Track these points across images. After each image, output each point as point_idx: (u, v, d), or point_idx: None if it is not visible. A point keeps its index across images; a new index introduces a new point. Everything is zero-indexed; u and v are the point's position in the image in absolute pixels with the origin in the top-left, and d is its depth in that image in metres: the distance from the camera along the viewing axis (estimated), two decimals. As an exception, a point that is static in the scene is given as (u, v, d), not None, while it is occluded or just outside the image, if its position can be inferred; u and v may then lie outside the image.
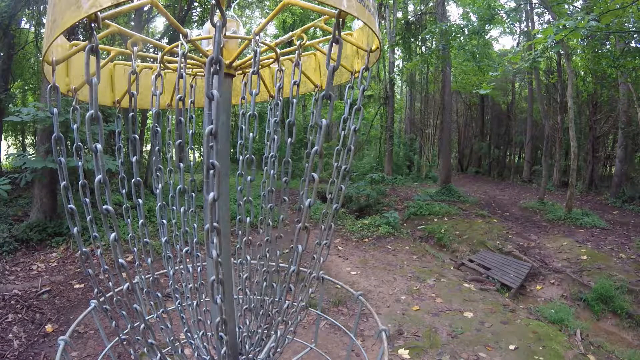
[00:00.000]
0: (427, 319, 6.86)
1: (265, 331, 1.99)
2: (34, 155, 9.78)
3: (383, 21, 22.59)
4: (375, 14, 1.38)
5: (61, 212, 9.93)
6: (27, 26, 14.81)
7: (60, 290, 7.18)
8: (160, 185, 1.89)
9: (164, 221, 1.92)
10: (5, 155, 17.21)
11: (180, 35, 1.51)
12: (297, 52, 1.71)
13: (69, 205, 1.47)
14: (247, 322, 2.12)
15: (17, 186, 9.47)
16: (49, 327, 5.96)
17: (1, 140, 15.66)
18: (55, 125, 1.42)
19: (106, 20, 1.26)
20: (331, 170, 1.62)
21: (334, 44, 1.26)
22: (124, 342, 1.64)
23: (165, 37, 16.42)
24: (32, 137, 19.32)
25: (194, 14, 16.53)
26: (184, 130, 1.72)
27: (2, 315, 6.06)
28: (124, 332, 1.68)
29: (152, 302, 1.93)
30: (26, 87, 17.88)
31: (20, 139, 21.72)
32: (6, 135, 19.67)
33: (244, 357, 1.99)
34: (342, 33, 1.49)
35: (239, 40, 1.78)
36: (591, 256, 10.10)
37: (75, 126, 1.49)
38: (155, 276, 1.95)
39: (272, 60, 1.95)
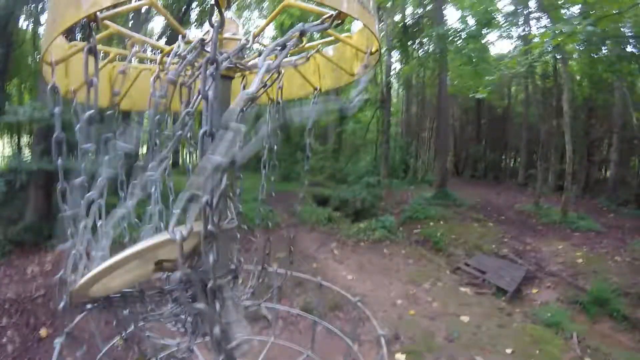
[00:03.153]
0: (424, 323, 6.86)
1: None
2: (30, 155, 9.71)
3: (381, 24, 22.61)
4: (375, 16, 1.38)
5: (56, 214, 9.86)
6: (25, 25, 14.76)
7: (55, 294, 7.13)
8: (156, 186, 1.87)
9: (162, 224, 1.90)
10: (0, 156, 17.08)
11: (179, 36, 1.50)
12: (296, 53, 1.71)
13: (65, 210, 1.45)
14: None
15: (12, 187, 9.40)
16: (43, 332, 5.91)
17: (-3, 140, 15.54)
18: (57, 126, 1.40)
19: (105, 21, 1.25)
20: (327, 173, 1.61)
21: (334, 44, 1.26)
22: (118, 348, 1.62)
23: (163, 37, 16.37)
24: (28, 137, 19.18)
25: (193, 15, 16.51)
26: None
27: (-4, 318, 6.01)
28: (122, 335, 1.66)
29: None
30: (23, 86, 17.77)
31: (16, 139, 21.55)
32: (2, 135, 19.51)
33: None
34: (341, 35, 1.48)
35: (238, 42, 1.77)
36: (586, 259, 10.13)
37: (78, 127, 1.48)
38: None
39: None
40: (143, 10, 12.89)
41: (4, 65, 13.13)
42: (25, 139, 20.78)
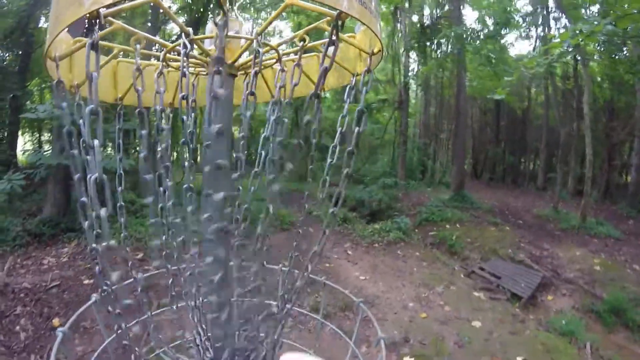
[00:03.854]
0: (435, 327, 6.79)
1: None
2: (50, 151, 9.91)
3: (398, 25, 22.50)
4: (377, 16, 1.36)
5: (74, 208, 10.06)
6: (45, 25, 15.05)
7: (70, 285, 7.26)
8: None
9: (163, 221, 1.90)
10: (22, 151, 17.49)
11: (182, 34, 1.51)
12: (299, 53, 1.69)
13: (82, 199, 1.45)
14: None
15: (32, 182, 9.62)
16: (56, 321, 6.03)
17: (18, 136, 15.88)
18: (66, 118, 1.43)
19: (110, 18, 1.26)
20: (340, 174, 1.59)
21: (331, 45, 1.25)
22: (124, 341, 1.63)
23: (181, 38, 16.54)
24: (49, 134, 19.60)
25: (211, 16, 16.61)
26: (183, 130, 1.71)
27: (11, 307, 6.15)
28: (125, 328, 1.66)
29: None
30: (43, 85, 18.12)
31: (37, 135, 22.05)
32: (23, 132, 19.96)
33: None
34: (344, 35, 1.47)
35: (241, 40, 1.78)
36: (604, 267, 9.92)
37: (81, 121, 1.50)
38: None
39: (275, 61, 1.93)
40: (161, 10, 13.04)
41: (25, 64, 13.46)
42: (45, 136, 21.30)
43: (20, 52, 13.21)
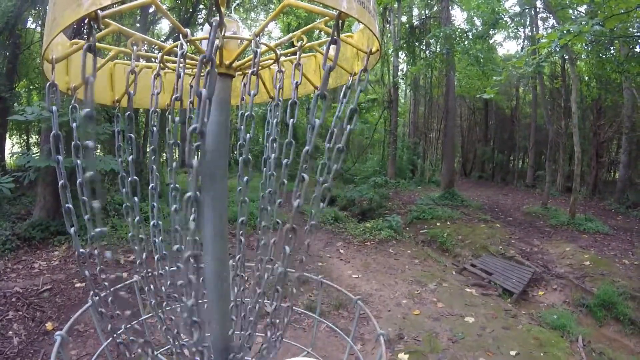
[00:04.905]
0: (428, 324, 6.83)
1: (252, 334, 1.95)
2: (38, 154, 9.80)
3: (388, 25, 22.58)
4: (375, 16, 1.37)
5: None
6: (33, 26, 14.91)
7: (62, 288, 7.19)
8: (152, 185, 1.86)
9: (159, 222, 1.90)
10: (10, 153, 17.29)
11: (180, 35, 1.51)
12: (298, 53, 1.70)
13: (67, 205, 1.46)
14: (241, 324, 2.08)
15: (21, 185, 9.50)
16: (49, 325, 5.97)
17: (6, 139, 15.69)
18: (54, 122, 1.42)
19: (106, 19, 1.26)
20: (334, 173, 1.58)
21: (332, 45, 1.26)
22: (120, 344, 1.63)
23: (170, 39, 16.48)
24: (37, 136, 19.40)
25: (199, 16, 16.58)
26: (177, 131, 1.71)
27: (2, 312, 6.07)
28: (119, 332, 1.66)
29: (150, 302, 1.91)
30: (31, 87, 17.92)
31: (25, 138, 21.82)
32: (11, 134, 19.73)
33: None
34: (342, 35, 1.48)
35: (239, 41, 1.78)
36: (594, 262, 10.04)
37: (74, 125, 1.50)
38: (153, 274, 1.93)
39: (272, 61, 1.94)
40: (151, 10, 12.97)
41: (13, 66, 13.30)
42: (33, 138, 21.08)
43: (7, 54, 13.04)
